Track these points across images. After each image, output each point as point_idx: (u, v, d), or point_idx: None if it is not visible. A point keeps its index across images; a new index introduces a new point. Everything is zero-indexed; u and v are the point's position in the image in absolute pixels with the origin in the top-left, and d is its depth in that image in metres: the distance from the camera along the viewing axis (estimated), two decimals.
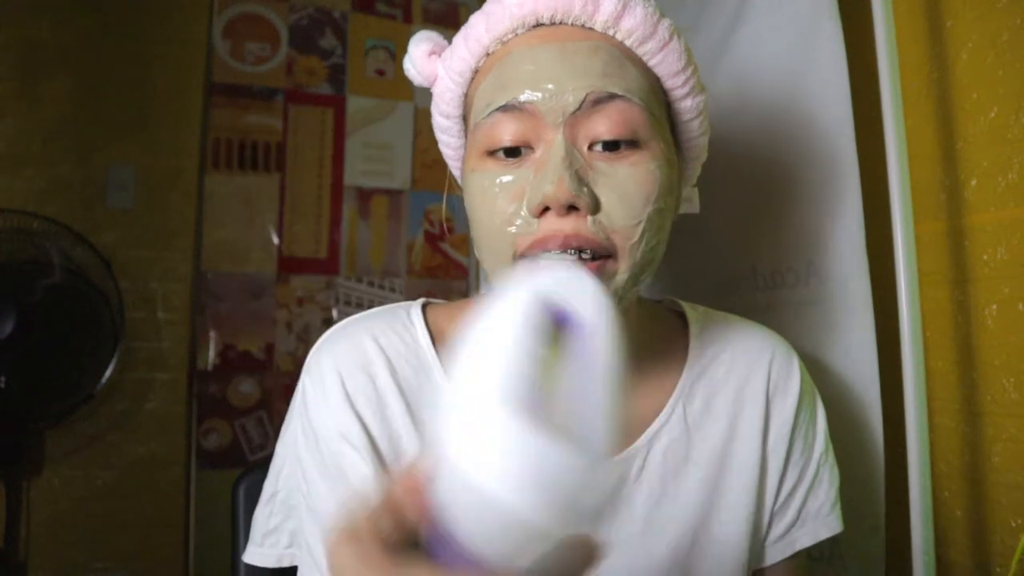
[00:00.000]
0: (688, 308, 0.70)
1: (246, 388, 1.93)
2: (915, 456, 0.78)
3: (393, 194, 2.11)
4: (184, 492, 1.85)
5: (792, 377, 0.67)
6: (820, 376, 0.82)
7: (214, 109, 1.96)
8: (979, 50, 0.85)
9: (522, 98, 0.53)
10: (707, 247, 1.07)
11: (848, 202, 0.85)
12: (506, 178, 0.54)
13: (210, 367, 1.91)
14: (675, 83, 0.58)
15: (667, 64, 0.56)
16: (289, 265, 2.01)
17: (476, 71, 0.58)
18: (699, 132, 0.62)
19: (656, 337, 0.66)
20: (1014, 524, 0.80)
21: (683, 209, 0.68)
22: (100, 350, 1.65)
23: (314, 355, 0.63)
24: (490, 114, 0.54)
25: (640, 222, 0.52)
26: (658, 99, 0.57)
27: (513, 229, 0.53)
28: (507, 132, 0.53)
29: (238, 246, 1.96)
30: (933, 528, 0.78)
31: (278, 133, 2.01)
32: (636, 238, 0.53)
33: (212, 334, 1.92)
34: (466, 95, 0.60)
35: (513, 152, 0.54)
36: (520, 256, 0.53)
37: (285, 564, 0.64)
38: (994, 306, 0.83)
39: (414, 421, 0.60)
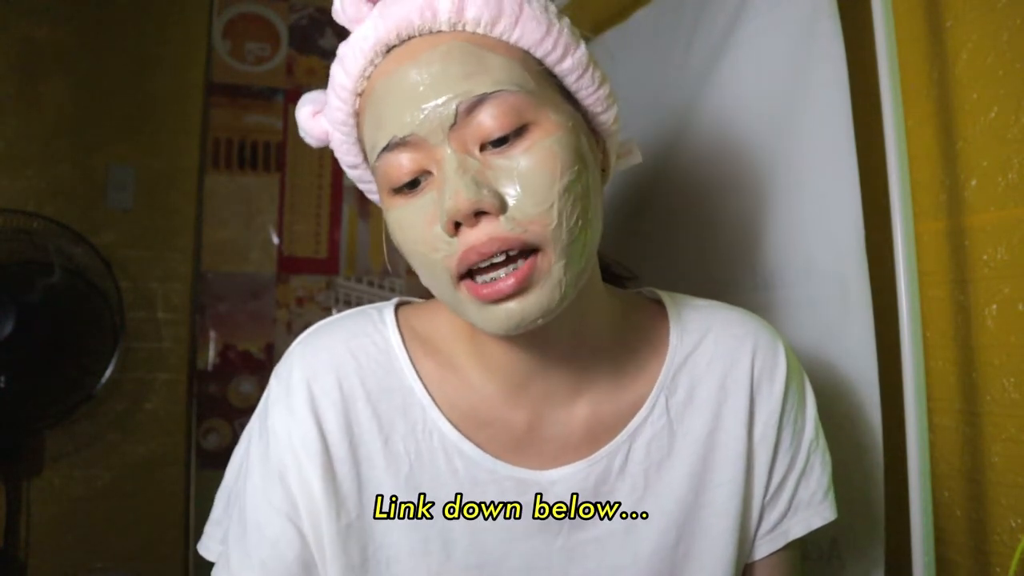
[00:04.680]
0: (666, 296, 0.69)
1: (246, 388, 1.94)
2: (915, 456, 0.78)
3: None
4: (184, 492, 1.85)
5: (777, 364, 0.66)
6: (819, 376, 0.82)
7: (214, 109, 1.96)
8: (979, 50, 0.85)
9: (400, 133, 0.52)
10: (707, 246, 1.07)
11: (848, 202, 0.85)
12: (417, 207, 0.53)
13: (210, 367, 1.91)
14: (544, 50, 0.55)
15: (528, 35, 0.54)
16: (289, 265, 2.01)
17: (356, 114, 0.58)
18: (594, 85, 0.59)
19: (634, 327, 0.65)
20: (1014, 524, 0.80)
21: (623, 164, 0.67)
22: (100, 350, 1.65)
23: (284, 359, 0.63)
24: (379, 156, 0.54)
25: (552, 203, 0.51)
26: (533, 72, 0.55)
27: (439, 255, 0.52)
28: (400, 169, 0.53)
29: (238, 246, 1.97)
30: (933, 528, 0.78)
31: (278, 133, 2.01)
32: (555, 221, 0.51)
33: (212, 334, 1.92)
34: (360, 139, 0.60)
35: (414, 184, 0.53)
36: (459, 278, 0.52)
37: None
38: (994, 306, 0.83)
39: (380, 424, 0.60)
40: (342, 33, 0.57)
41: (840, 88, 0.86)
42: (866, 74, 0.86)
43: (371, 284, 2.09)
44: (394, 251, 0.60)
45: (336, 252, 2.06)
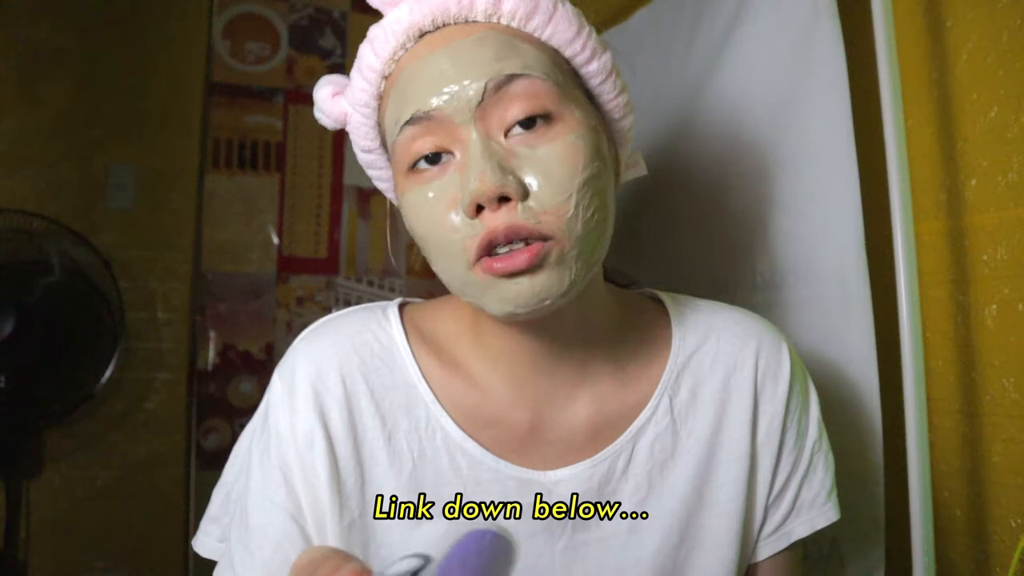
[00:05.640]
0: (666, 297, 0.69)
1: (246, 388, 1.94)
2: (915, 456, 0.78)
3: None
4: (184, 492, 1.85)
5: (782, 364, 0.66)
6: (820, 376, 0.82)
7: (214, 109, 1.96)
8: (979, 50, 0.85)
9: (425, 108, 0.52)
10: (707, 247, 1.07)
11: (848, 202, 0.85)
12: (437, 188, 0.53)
13: (210, 367, 1.91)
14: (573, 50, 0.57)
15: (560, 34, 0.56)
16: (289, 265, 2.01)
17: (380, 97, 0.58)
18: (615, 91, 0.60)
19: (636, 327, 0.65)
20: (1014, 524, 0.80)
21: (629, 175, 0.67)
22: (100, 350, 1.65)
23: (288, 354, 0.63)
24: (401, 130, 0.54)
25: (571, 195, 0.52)
26: (562, 69, 0.56)
27: (458, 236, 0.52)
28: (422, 144, 0.53)
29: (238, 246, 1.96)
30: (933, 528, 0.78)
31: (278, 133, 2.01)
32: (571, 211, 0.52)
33: (212, 334, 1.92)
34: (379, 124, 0.60)
35: (434, 159, 0.53)
36: (475, 261, 0.52)
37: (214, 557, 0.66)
38: (994, 306, 0.83)
39: (383, 421, 0.60)
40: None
41: (840, 88, 0.86)
42: (866, 74, 0.86)
43: (371, 284, 2.09)
44: (397, 240, 0.60)
45: (336, 252, 2.06)
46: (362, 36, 0.58)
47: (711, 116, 1.07)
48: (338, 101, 0.62)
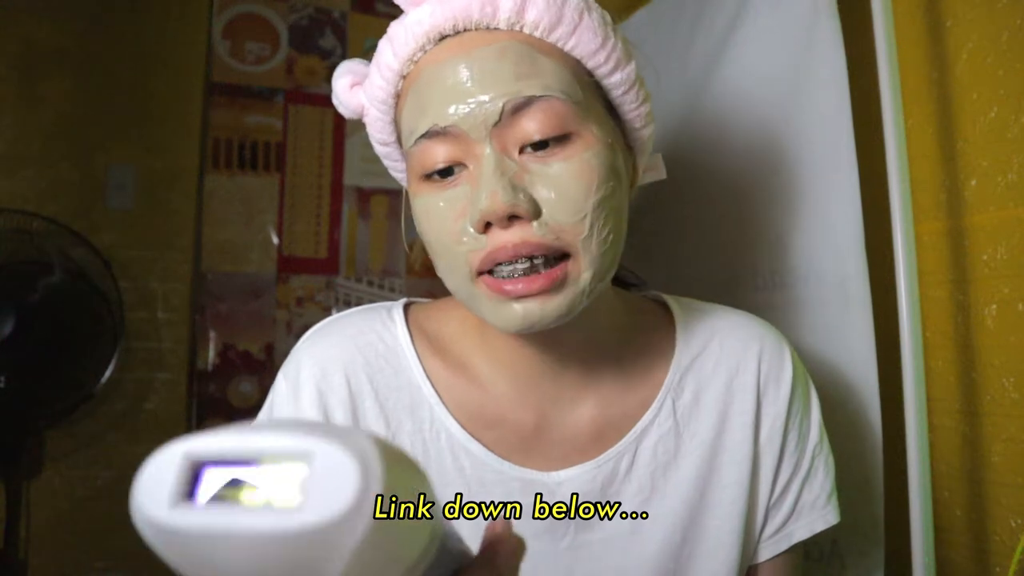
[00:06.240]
0: (671, 300, 0.69)
1: (246, 388, 1.94)
2: (915, 456, 0.78)
3: (393, 194, 2.11)
4: None
5: (783, 368, 0.66)
6: (820, 376, 0.82)
7: (214, 109, 1.96)
8: (979, 50, 0.85)
9: (442, 123, 0.52)
10: (707, 247, 1.07)
11: (848, 202, 0.85)
12: (448, 198, 0.53)
13: (210, 367, 1.91)
14: (596, 62, 0.55)
15: (583, 45, 0.55)
16: (289, 265, 2.01)
17: (397, 95, 0.58)
18: (637, 102, 0.59)
19: (640, 330, 0.66)
20: (1014, 524, 0.80)
21: (649, 178, 0.67)
22: (100, 350, 1.65)
23: (293, 354, 0.63)
24: (416, 141, 0.54)
25: (586, 215, 0.51)
26: (583, 82, 0.55)
27: (463, 248, 0.52)
28: (436, 157, 0.53)
29: (238, 246, 1.96)
30: (933, 528, 0.78)
31: (278, 133, 2.01)
32: (586, 231, 0.52)
33: (212, 334, 1.92)
34: (395, 120, 0.59)
35: (447, 172, 0.53)
36: (478, 273, 0.53)
37: None
38: (994, 306, 0.83)
39: (387, 422, 0.60)
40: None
41: (840, 88, 0.86)
42: (866, 74, 0.86)
43: (371, 284, 2.09)
44: (412, 233, 0.60)
45: (336, 252, 2.06)
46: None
47: (711, 116, 1.07)
48: (356, 92, 0.61)
